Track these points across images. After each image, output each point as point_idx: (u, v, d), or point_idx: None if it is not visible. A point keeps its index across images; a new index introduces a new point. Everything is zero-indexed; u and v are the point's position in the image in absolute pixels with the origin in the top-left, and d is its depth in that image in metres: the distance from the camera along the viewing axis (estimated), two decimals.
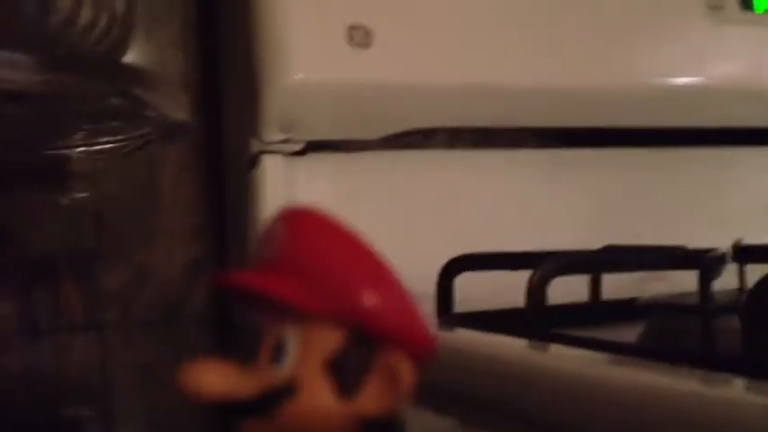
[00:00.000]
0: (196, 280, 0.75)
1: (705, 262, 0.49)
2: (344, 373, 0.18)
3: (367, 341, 0.18)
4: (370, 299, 0.18)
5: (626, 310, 0.55)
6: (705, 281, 0.47)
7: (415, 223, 0.71)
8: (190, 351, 0.64)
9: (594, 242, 0.63)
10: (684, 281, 0.55)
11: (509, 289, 0.52)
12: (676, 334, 0.49)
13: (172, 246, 0.74)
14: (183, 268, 0.75)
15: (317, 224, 0.19)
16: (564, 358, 0.41)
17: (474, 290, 0.57)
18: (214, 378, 0.18)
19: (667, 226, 0.75)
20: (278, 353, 0.18)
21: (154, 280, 0.73)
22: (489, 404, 0.42)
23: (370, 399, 0.18)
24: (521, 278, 0.51)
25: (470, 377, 0.44)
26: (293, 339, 0.18)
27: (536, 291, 0.49)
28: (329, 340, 0.18)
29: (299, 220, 0.19)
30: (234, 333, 0.73)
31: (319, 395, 0.18)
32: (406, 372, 0.18)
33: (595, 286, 0.60)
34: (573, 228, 0.74)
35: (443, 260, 0.58)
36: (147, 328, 0.72)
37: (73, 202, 0.70)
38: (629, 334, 0.51)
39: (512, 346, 0.45)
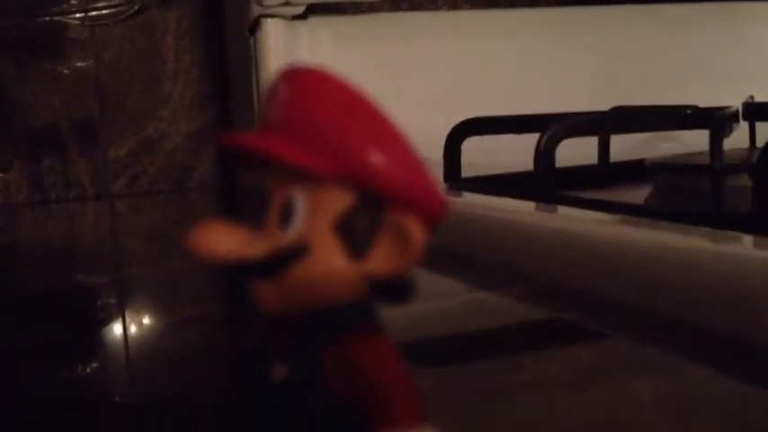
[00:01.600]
0: (202, 148, 0.74)
1: (716, 121, 0.48)
2: (354, 233, 0.18)
3: (376, 202, 0.18)
4: (378, 158, 0.17)
5: (635, 171, 0.55)
6: (716, 140, 0.46)
7: (419, 86, 0.70)
8: (197, 218, 0.64)
9: (603, 103, 0.63)
10: (695, 141, 0.54)
11: (516, 153, 0.51)
12: (686, 194, 0.49)
13: (176, 114, 0.74)
14: (189, 137, 0.74)
15: (320, 83, 0.18)
16: (572, 219, 0.41)
17: (480, 155, 0.57)
18: (222, 239, 0.17)
19: (677, 85, 0.74)
20: (286, 216, 0.18)
21: (160, 149, 0.73)
22: (498, 266, 0.42)
23: (381, 259, 0.18)
24: (528, 142, 0.50)
25: (479, 240, 0.44)
26: (301, 202, 0.18)
27: (544, 153, 0.49)
28: (338, 201, 0.18)
29: (303, 79, 0.18)
30: (240, 200, 0.73)
31: (329, 256, 0.17)
32: (416, 232, 0.17)
33: (604, 148, 0.60)
34: (580, 89, 0.73)
35: (450, 123, 0.58)
36: (155, 196, 0.72)
37: (74, 72, 0.69)
38: (638, 195, 0.51)
39: (520, 208, 0.45)
